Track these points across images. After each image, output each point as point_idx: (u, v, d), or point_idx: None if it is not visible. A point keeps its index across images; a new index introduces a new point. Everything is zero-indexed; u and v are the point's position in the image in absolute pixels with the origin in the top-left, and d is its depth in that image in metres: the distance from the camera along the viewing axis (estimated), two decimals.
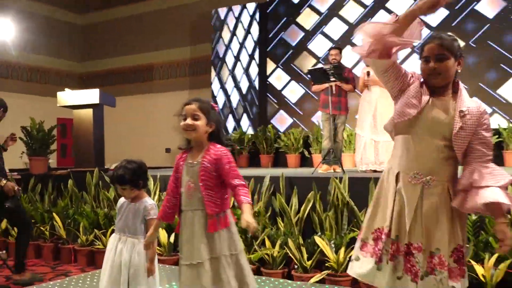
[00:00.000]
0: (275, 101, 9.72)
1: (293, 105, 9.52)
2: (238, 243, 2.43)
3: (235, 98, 9.87)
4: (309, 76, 6.23)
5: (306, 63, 9.28)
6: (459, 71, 2.07)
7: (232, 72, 9.95)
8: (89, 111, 6.85)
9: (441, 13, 7.96)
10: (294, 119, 9.46)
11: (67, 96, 6.90)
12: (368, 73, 5.85)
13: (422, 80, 2.09)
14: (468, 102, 2.03)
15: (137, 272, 2.69)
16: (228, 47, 10.09)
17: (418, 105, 2.01)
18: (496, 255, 3.51)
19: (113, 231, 5.06)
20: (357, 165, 5.96)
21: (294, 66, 9.55)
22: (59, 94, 6.92)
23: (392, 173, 2.11)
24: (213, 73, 10.24)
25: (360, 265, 2.15)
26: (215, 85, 10.17)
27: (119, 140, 10.65)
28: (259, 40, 9.74)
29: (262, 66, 9.76)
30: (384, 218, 2.09)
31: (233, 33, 10.04)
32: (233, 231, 2.41)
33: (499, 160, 7.08)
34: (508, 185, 1.96)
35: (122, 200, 2.84)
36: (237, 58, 9.96)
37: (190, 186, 2.35)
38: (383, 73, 2.08)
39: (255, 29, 9.81)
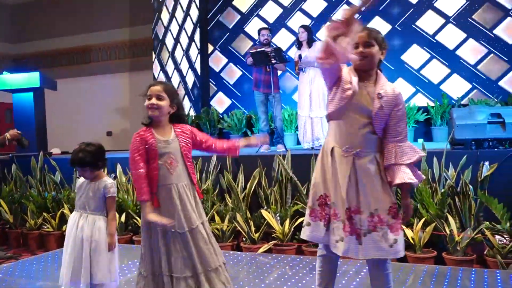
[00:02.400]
0: (214, 82, 9.90)
1: (231, 87, 9.76)
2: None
3: (175, 80, 9.93)
4: (250, 58, 6.45)
5: (243, 45, 9.55)
6: (382, 59, 2.38)
7: (172, 54, 9.98)
8: (30, 95, 6.75)
9: None
10: (233, 100, 9.70)
11: (6, 80, 6.75)
12: (299, 56, 6.17)
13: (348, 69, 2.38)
14: (385, 86, 2.33)
15: (98, 246, 2.84)
16: (167, 28, 10.09)
17: (351, 86, 2.29)
18: (423, 220, 3.94)
19: (62, 214, 5.15)
20: (302, 143, 6.32)
21: (231, 48, 9.76)
22: None
23: (328, 148, 2.40)
24: (153, 55, 10.21)
25: (311, 229, 2.42)
26: (155, 67, 10.17)
27: (60, 124, 10.44)
28: (198, 22, 9.82)
29: (202, 48, 9.86)
30: (326, 186, 2.39)
31: (173, 15, 10.02)
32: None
33: (428, 136, 7.68)
34: (417, 161, 2.29)
35: (81, 179, 2.97)
36: (177, 40, 9.99)
37: (172, 162, 2.55)
38: (331, 76, 2.36)
39: (194, 11, 9.88)
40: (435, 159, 4.21)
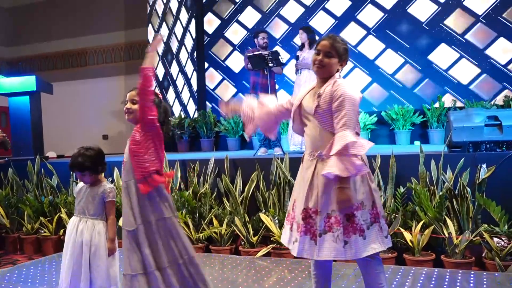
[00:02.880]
0: (213, 88, 9.97)
1: (211, 91, 9.86)
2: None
3: (180, 83, 9.93)
4: (247, 61, 6.48)
5: (222, 51, 9.69)
6: (340, 70, 2.43)
7: (177, 57, 9.96)
8: (26, 99, 6.72)
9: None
10: (213, 104, 9.77)
11: (2, 84, 6.72)
12: (297, 58, 6.18)
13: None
14: (328, 86, 2.36)
15: (97, 251, 2.83)
16: (172, 31, 10.10)
17: (296, 102, 2.49)
18: (421, 223, 3.94)
19: (59, 218, 5.13)
20: (289, 145, 6.26)
21: (212, 54, 9.84)
22: None
23: (303, 155, 2.52)
24: (156, 58, 10.16)
25: (283, 231, 2.56)
26: (159, 70, 10.14)
27: (55, 128, 10.40)
28: (188, 27, 9.88)
29: (200, 51, 9.88)
30: (296, 191, 2.49)
31: (177, 18, 10.04)
32: (147, 197, 2.54)
33: (424, 139, 7.70)
34: (347, 148, 2.21)
35: (80, 184, 2.96)
36: (175, 43, 10.00)
37: (124, 163, 2.59)
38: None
39: (184, 16, 9.93)
40: (433, 162, 4.22)
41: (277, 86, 7.42)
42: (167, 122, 2.67)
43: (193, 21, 9.86)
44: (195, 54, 9.82)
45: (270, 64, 6.05)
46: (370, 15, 8.53)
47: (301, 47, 6.35)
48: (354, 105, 2.30)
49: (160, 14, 10.07)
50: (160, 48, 10.01)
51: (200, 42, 9.90)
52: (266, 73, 6.24)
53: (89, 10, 11.63)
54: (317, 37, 8.48)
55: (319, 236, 2.29)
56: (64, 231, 5.05)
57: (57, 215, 5.24)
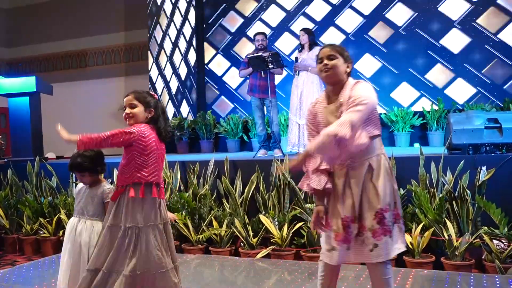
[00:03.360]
0: (216, 87, 9.90)
1: (233, 91, 9.75)
2: (147, 218, 2.55)
3: (174, 85, 9.92)
4: (242, 71, 6.53)
5: (245, 50, 9.48)
6: (349, 71, 2.40)
7: (170, 59, 9.96)
8: (26, 100, 6.71)
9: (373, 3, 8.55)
10: (235, 104, 9.69)
11: (2, 84, 6.71)
12: (296, 59, 6.17)
13: (324, 92, 2.47)
14: (346, 93, 2.33)
15: None
16: (165, 33, 10.09)
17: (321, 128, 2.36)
18: (421, 225, 3.94)
19: (59, 219, 5.13)
20: (289, 148, 6.21)
21: (233, 52, 9.75)
22: None
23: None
24: (150, 60, 10.20)
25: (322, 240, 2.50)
26: (154, 72, 10.15)
27: (54, 129, 10.37)
28: (196, 26, 9.84)
29: (199, 52, 9.88)
30: (327, 200, 2.46)
31: (171, 19, 10.03)
32: (143, 204, 2.53)
33: (424, 141, 7.70)
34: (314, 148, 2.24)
35: (80, 185, 2.96)
36: (175, 45, 9.98)
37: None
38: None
39: (192, 16, 9.90)
40: (433, 164, 4.22)
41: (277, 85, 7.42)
42: (166, 123, 2.67)
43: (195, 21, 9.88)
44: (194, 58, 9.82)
45: (270, 66, 6.05)
46: (399, 14, 8.43)
47: (301, 48, 6.34)
48: (368, 104, 2.24)
49: (160, 15, 10.07)
50: (168, 48, 10.03)
51: (201, 41, 9.90)
52: (264, 75, 6.25)
53: (89, 12, 11.62)
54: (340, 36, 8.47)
55: (352, 241, 2.32)
56: (64, 232, 5.06)
57: (57, 216, 5.24)
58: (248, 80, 6.70)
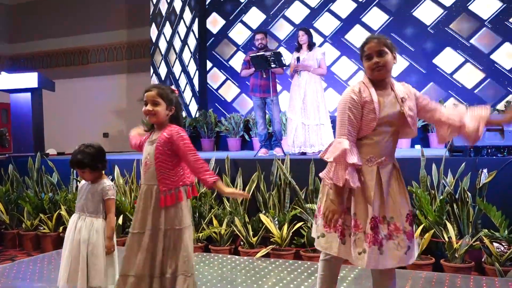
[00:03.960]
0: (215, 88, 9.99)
1: (215, 91, 9.86)
2: (183, 219, 2.58)
3: (183, 82, 9.93)
4: (244, 71, 6.55)
5: (227, 51, 9.70)
6: (395, 63, 2.35)
7: (180, 57, 9.93)
8: (27, 95, 6.72)
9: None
10: (216, 104, 9.78)
11: (4, 80, 6.72)
12: (297, 59, 6.15)
13: (363, 84, 2.31)
14: (401, 88, 2.33)
15: (95, 249, 2.81)
16: (161, 31, 10.09)
17: (375, 117, 2.23)
18: (421, 227, 3.94)
19: (59, 215, 5.13)
20: (290, 148, 6.14)
21: (215, 54, 9.85)
22: None
23: None
24: (158, 57, 10.17)
25: (326, 240, 2.38)
26: (162, 69, 10.11)
27: (56, 125, 10.40)
28: (191, 26, 9.89)
29: (201, 51, 9.89)
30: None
31: (175, 16, 10.02)
32: (181, 207, 2.57)
33: (425, 142, 7.70)
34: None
35: (83, 181, 2.96)
36: (170, 43, 9.99)
37: (146, 162, 2.59)
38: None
39: (187, 16, 9.94)
40: (434, 166, 4.21)
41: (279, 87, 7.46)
42: (181, 116, 2.73)
43: (196, 20, 9.87)
44: (197, 54, 9.82)
45: (273, 65, 6.05)
46: (376, 17, 8.58)
47: (298, 48, 6.31)
48: None
49: (163, 13, 10.06)
50: (172, 46, 10.02)
51: (203, 42, 9.90)
52: (265, 76, 6.25)
53: (92, 9, 11.65)
54: (318, 39, 8.56)
55: (384, 244, 2.24)
56: (64, 228, 5.08)
57: (57, 212, 5.24)
58: (249, 80, 6.71)
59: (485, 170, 4.02)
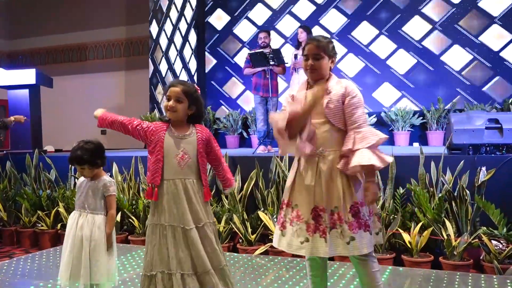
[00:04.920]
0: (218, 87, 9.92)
1: (219, 88, 9.80)
2: (212, 214, 2.67)
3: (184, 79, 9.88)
4: (246, 65, 6.52)
5: (232, 47, 9.62)
6: (332, 67, 2.45)
7: (180, 53, 9.89)
8: (25, 92, 6.70)
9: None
10: (221, 101, 9.72)
11: (1, 76, 6.70)
12: (295, 56, 6.15)
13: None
14: (333, 83, 2.40)
15: (97, 246, 2.79)
16: (161, 28, 10.05)
17: (300, 103, 2.36)
18: (420, 224, 3.94)
19: (57, 212, 5.12)
20: None
21: (220, 50, 9.79)
22: None
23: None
24: (159, 54, 10.13)
25: (274, 235, 2.49)
26: (163, 66, 10.07)
27: (53, 122, 10.37)
28: (195, 23, 9.84)
29: (198, 48, 9.86)
30: (291, 191, 2.43)
31: (176, 13, 9.99)
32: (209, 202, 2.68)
33: (423, 140, 7.70)
34: (379, 143, 2.29)
35: (82, 178, 2.94)
36: (170, 40, 9.95)
37: (183, 156, 2.53)
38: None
39: (188, 13, 9.90)
40: (432, 164, 4.21)
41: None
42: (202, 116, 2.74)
43: (196, 17, 9.84)
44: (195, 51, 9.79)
45: (272, 62, 6.04)
46: (383, 15, 8.51)
47: (298, 45, 6.32)
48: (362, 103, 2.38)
49: (164, 10, 10.02)
50: (173, 43, 9.98)
51: (201, 40, 9.88)
52: (267, 76, 6.24)
53: (90, 5, 11.60)
54: (310, 35, 8.48)
55: (328, 233, 2.28)
56: (62, 226, 5.08)
57: (55, 209, 5.23)
58: (252, 79, 6.69)
59: (483, 168, 4.02)
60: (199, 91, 2.64)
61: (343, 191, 2.30)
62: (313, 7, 9.01)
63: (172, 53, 9.87)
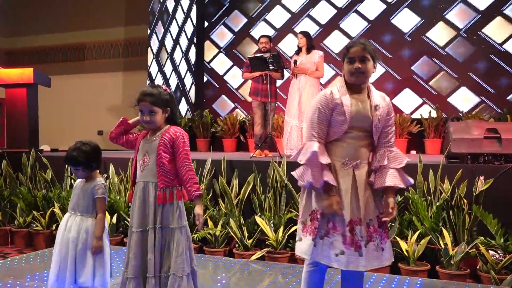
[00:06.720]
0: (217, 86, 9.87)
1: (234, 90, 9.74)
2: (178, 218, 2.60)
3: (173, 82, 9.87)
4: (245, 69, 6.52)
5: (248, 50, 9.53)
6: (374, 72, 2.42)
7: (171, 56, 9.91)
8: (23, 91, 6.66)
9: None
10: (236, 104, 9.68)
11: None
12: (295, 62, 6.15)
13: (336, 88, 2.39)
14: (378, 97, 2.39)
15: (84, 249, 2.76)
16: (167, 30, 10.04)
17: (345, 119, 2.31)
18: (417, 233, 3.93)
19: (52, 212, 5.09)
20: (284, 150, 6.19)
21: (236, 52, 9.74)
22: None
23: None
24: (150, 56, 10.14)
25: (302, 244, 2.41)
26: (153, 68, 10.09)
27: (50, 121, 10.33)
28: (197, 24, 9.81)
29: (200, 51, 9.85)
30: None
31: (173, 16, 9.98)
32: (177, 206, 2.61)
33: (421, 148, 7.70)
34: (404, 165, 2.36)
35: (79, 180, 2.91)
36: (176, 42, 9.94)
37: (145, 159, 2.61)
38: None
39: (194, 14, 9.87)
40: (431, 172, 4.21)
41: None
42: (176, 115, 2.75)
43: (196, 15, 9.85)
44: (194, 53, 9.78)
45: (271, 67, 6.03)
46: (405, 19, 8.52)
47: (298, 51, 6.30)
48: None
49: (161, 11, 10.02)
50: (169, 45, 9.97)
51: (202, 39, 9.86)
52: (265, 81, 6.23)
53: (90, 5, 11.57)
54: (344, 40, 8.50)
55: (364, 246, 2.27)
56: (57, 226, 5.02)
57: (50, 209, 5.19)
58: (251, 84, 6.68)
59: (482, 178, 4.01)
60: (168, 90, 2.66)
61: (374, 203, 2.34)
62: (334, 11, 8.98)
63: (177, 55, 9.87)
